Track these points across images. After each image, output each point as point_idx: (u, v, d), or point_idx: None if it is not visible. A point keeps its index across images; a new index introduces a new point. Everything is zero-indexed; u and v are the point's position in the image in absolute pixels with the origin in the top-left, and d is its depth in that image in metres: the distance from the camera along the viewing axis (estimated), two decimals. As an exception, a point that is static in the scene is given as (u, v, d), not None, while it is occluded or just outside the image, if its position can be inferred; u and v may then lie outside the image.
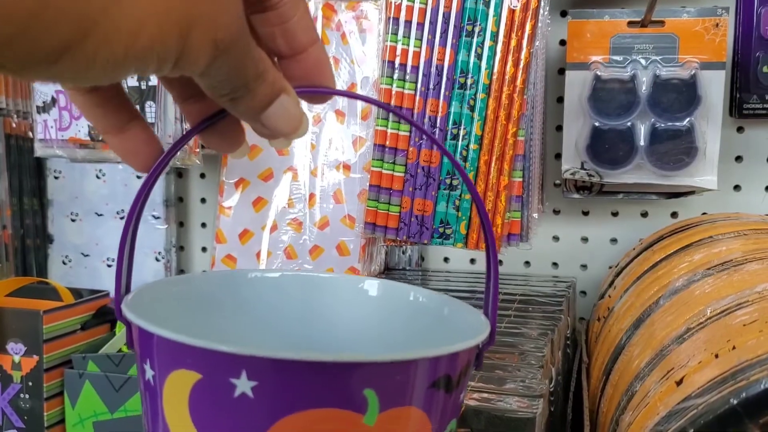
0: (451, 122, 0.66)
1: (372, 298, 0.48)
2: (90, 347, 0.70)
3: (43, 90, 0.76)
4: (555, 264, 0.89)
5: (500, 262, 0.90)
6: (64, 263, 0.97)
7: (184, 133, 0.38)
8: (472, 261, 0.92)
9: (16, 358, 0.66)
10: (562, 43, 0.83)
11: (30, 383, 0.65)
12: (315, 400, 0.33)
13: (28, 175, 0.93)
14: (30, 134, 0.91)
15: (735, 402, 0.36)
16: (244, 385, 0.33)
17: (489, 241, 0.39)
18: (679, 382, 0.42)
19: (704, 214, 0.81)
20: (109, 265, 0.95)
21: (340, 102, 0.76)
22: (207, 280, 0.46)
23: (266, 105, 0.32)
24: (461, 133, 0.65)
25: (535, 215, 0.70)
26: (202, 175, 0.98)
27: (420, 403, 0.36)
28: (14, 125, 0.90)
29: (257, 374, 0.33)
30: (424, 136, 0.67)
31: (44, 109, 0.76)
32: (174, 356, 0.34)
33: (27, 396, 0.66)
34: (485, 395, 0.46)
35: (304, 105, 0.37)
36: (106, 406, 0.65)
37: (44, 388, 0.65)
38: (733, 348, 0.41)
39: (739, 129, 0.82)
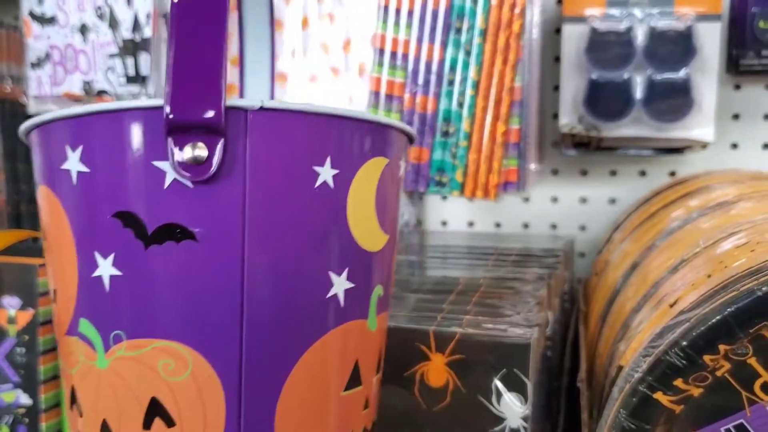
0: (447, 67, 0.66)
1: None
2: (86, 303, 0.70)
3: (37, 46, 0.76)
4: (554, 225, 0.89)
5: (498, 224, 0.90)
6: (60, 230, 0.96)
7: None
8: (470, 224, 0.92)
9: (12, 312, 0.65)
10: (559, 1, 0.82)
11: (26, 337, 0.65)
12: None
13: (22, 141, 0.93)
14: (24, 99, 0.91)
15: (726, 312, 0.36)
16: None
17: None
18: (672, 304, 0.42)
19: (702, 171, 0.81)
20: (105, 232, 0.95)
21: (336, 59, 0.76)
22: None
23: None
24: (457, 78, 0.65)
25: (533, 166, 0.70)
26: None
27: None
28: (8, 90, 0.89)
29: None
30: (419, 83, 0.67)
31: (38, 64, 0.76)
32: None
33: (23, 350, 0.65)
34: (482, 325, 0.46)
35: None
36: (102, 360, 0.65)
37: (40, 342, 0.65)
38: (725, 267, 0.40)
39: (737, 87, 0.81)
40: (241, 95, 0.47)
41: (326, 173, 0.33)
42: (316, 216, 0.34)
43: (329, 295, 0.34)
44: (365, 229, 0.35)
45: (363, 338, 0.36)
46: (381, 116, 0.35)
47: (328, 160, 0.33)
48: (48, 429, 0.66)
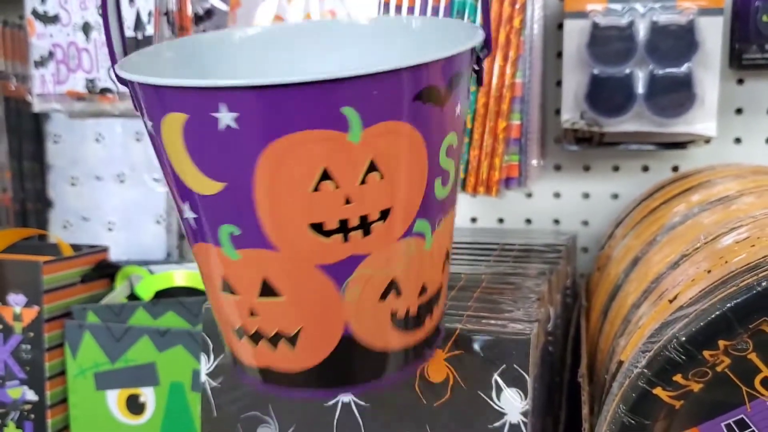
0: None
1: (365, 30, 0.49)
2: (90, 300, 0.70)
3: (40, 44, 0.76)
4: (556, 221, 0.89)
5: (501, 219, 0.90)
6: (64, 227, 0.97)
7: None
8: (473, 220, 0.92)
9: (17, 309, 0.66)
10: (561, -4, 0.82)
11: (31, 334, 0.66)
12: (294, 123, 0.34)
13: (27, 139, 0.94)
14: (29, 97, 0.92)
15: (725, 307, 0.36)
16: (226, 117, 0.34)
17: None
18: (672, 300, 0.42)
19: (705, 166, 0.81)
20: (110, 229, 0.95)
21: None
22: (197, 43, 0.48)
23: None
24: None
25: (534, 162, 0.70)
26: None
27: (406, 117, 0.36)
28: (13, 88, 0.90)
29: (236, 105, 0.34)
30: None
31: (41, 63, 0.76)
32: (161, 101, 0.36)
33: (28, 347, 0.66)
34: (481, 320, 0.46)
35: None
36: (107, 356, 0.65)
37: (45, 339, 0.66)
38: (726, 263, 0.40)
39: (740, 81, 0.81)
40: None
41: (148, 123, 0.38)
42: (159, 158, 0.39)
43: (184, 216, 0.40)
44: (187, 173, 0.37)
45: (220, 260, 0.39)
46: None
47: (144, 113, 0.38)
48: (54, 425, 0.66)
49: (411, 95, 0.35)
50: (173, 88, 0.35)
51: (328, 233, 0.36)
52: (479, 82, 0.43)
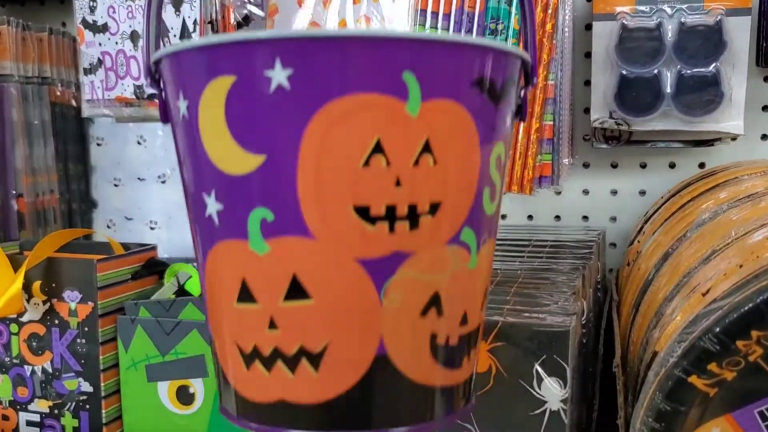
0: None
1: None
2: (140, 296, 0.73)
3: (90, 52, 0.79)
4: (585, 217, 0.91)
5: (531, 216, 0.92)
6: (108, 227, 1.00)
7: None
8: (504, 217, 0.94)
9: (73, 305, 0.69)
10: (589, -2, 0.84)
11: (86, 329, 0.69)
12: (352, 83, 0.32)
13: (72, 142, 0.97)
14: (73, 102, 0.95)
15: (758, 300, 0.38)
16: (279, 75, 0.32)
17: None
18: (705, 293, 0.44)
19: (732, 162, 0.83)
20: (152, 228, 0.99)
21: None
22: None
23: None
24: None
25: (566, 161, 0.72)
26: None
27: (464, 100, 0.35)
28: (59, 93, 0.94)
29: (292, 60, 0.32)
30: None
31: (91, 70, 0.79)
32: (206, 66, 0.34)
33: (83, 341, 0.69)
34: (521, 314, 0.48)
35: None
36: (158, 350, 0.68)
37: (99, 333, 0.69)
38: (757, 257, 0.43)
39: (766, 79, 0.83)
40: None
41: (182, 105, 0.36)
42: (184, 143, 0.37)
43: (206, 214, 0.36)
44: (221, 150, 0.35)
45: (244, 258, 0.35)
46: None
47: (180, 93, 0.36)
48: (108, 415, 0.70)
49: (470, 78, 0.34)
50: (227, 44, 0.33)
51: (373, 220, 0.34)
52: (522, 116, 0.42)
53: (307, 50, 0.32)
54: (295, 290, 0.35)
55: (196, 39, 0.35)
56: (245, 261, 0.35)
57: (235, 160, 0.34)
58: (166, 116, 0.39)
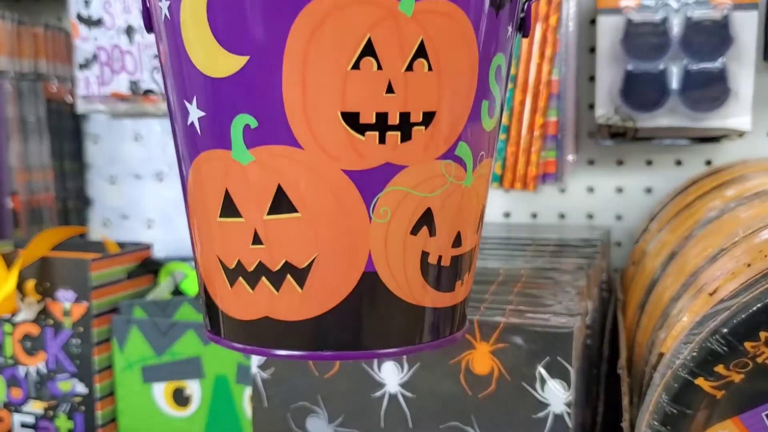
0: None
1: None
2: (135, 295, 0.72)
3: (85, 47, 0.78)
4: (590, 216, 0.89)
5: (534, 214, 0.91)
6: (104, 225, 0.99)
7: None
8: (507, 215, 0.93)
9: (67, 305, 0.68)
10: (593, -8, 0.83)
11: (80, 329, 0.68)
12: None
13: (67, 139, 0.96)
14: (69, 98, 0.94)
15: (766, 300, 0.37)
16: None
17: None
18: (712, 293, 0.43)
19: (738, 160, 0.81)
20: (149, 226, 0.98)
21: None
22: None
23: None
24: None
25: (570, 158, 0.71)
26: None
27: (462, 2, 0.33)
28: (54, 89, 0.92)
29: None
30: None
31: (86, 65, 0.78)
32: None
33: (78, 341, 0.68)
34: (525, 314, 0.47)
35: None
36: (154, 350, 0.67)
37: (94, 333, 0.68)
38: (765, 256, 0.41)
39: (773, 74, 0.81)
40: None
41: (164, 5, 0.34)
42: (167, 47, 0.35)
43: (188, 122, 0.35)
44: (203, 51, 0.33)
45: (227, 168, 0.34)
46: None
47: None
48: (103, 417, 0.69)
49: None
50: None
51: (362, 128, 0.32)
52: (525, 31, 0.39)
53: None
54: (280, 203, 0.33)
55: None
56: (228, 172, 0.34)
57: (217, 61, 0.32)
58: (149, 22, 0.37)
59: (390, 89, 0.32)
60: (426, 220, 0.35)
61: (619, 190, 0.88)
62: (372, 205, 0.33)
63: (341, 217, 0.33)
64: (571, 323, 0.45)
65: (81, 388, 0.69)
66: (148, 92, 0.76)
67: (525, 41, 0.65)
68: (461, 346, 0.46)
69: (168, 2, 0.34)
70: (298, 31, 0.31)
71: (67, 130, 0.96)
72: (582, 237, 0.74)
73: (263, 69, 0.32)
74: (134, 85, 0.76)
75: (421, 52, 0.32)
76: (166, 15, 0.34)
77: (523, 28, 0.39)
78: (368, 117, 0.32)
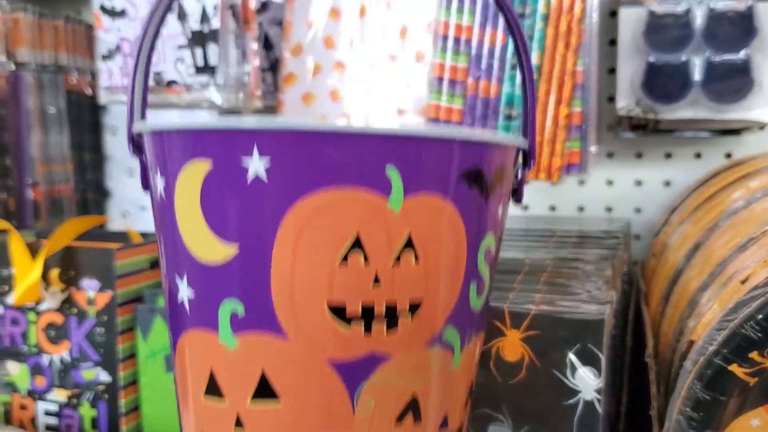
0: (509, 52, 0.67)
1: None
2: (158, 285, 0.72)
3: (108, 38, 0.78)
4: (609, 208, 0.89)
5: (553, 207, 0.91)
6: (123, 216, 1.00)
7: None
8: (525, 207, 0.93)
9: (91, 294, 0.68)
10: (613, -16, 0.83)
11: (104, 318, 0.68)
12: (332, 176, 0.31)
13: (87, 131, 0.97)
14: (89, 91, 0.94)
15: (805, 286, 0.37)
16: (256, 165, 0.31)
17: (524, 58, 0.38)
18: (744, 281, 0.43)
19: (759, 152, 0.81)
20: (168, 218, 0.98)
21: (393, 46, 0.77)
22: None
23: None
24: (519, 63, 0.66)
25: (593, 149, 0.71)
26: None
27: (450, 195, 0.33)
28: (74, 81, 0.93)
29: (270, 149, 0.31)
30: (483, 68, 0.68)
31: (109, 56, 0.79)
32: (184, 147, 0.33)
33: (102, 330, 0.68)
34: (554, 302, 0.47)
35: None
36: (177, 339, 0.68)
37: (118, 322, 0.68)
38: (801, 244, 0.41)
39: (795, 67, 0.81)
40: None
41: (160, 183, 0.35)
42: (160, 226, 0.36)
43: (179, 300, 0.35)
44: (195, 236, 0.34)
45: (213, 350, 0.34)
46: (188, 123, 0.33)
47: (158, 170, 0.35)
48: (126, 405, 0.69)
49: (458, 171, 0.33)
50: (204, 131, 0.32)
51: (348, 320, 0.32)
52: (517, 199, 0.40)
53: (287, 142, 0.31)
54: (264, 390, 0.33)
55: (177, 122, 0.34)
56: (214, 354, 0.34)
57: (208, 247, 0.33)
58: (146, 183, 0.38)
59: (377, 280, 0.32)
60: (411, 407, 0.35)
61: (638, 182, 0.88)
62: (356, 396, 0.33)
63: (323, 408, 0.33)
64: (602, 311, 0.45)
65: (104, 377, 0.69)
66: (171, 83, 0.77)
67: (550, 31, 0.65)
68: (491, 333, 0.47)
69: (164, 181, 0.34)
70: (288, 226, 0.31)
71: (86, 122, 0.96)
72: (603, 229, 0.74)
73: (253, 259, 0.32)
74: (158, 76, 0.76)
75: (408, 244, 0.33)
76: (161, 193, 0.35)
77: (516, 196, 0.40)
78: (355, 309, 0.32)
